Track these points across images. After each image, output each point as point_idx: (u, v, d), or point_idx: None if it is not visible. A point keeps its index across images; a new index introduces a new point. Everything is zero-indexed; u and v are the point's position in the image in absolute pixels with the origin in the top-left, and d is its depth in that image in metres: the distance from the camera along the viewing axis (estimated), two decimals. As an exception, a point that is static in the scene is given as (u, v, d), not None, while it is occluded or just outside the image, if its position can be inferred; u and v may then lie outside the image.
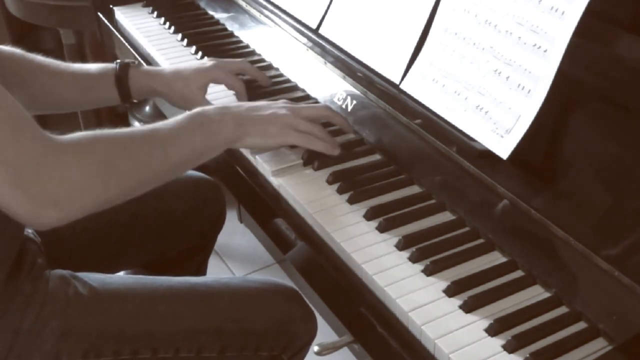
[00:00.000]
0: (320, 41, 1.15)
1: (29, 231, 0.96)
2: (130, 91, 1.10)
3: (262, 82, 1.18)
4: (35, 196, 0.74)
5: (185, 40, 1.34)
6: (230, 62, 1.15)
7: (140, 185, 0.85)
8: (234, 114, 0.93)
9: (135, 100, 1.12)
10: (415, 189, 0.96)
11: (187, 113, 0.91)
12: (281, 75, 1.23)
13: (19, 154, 0.73)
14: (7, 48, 1.04)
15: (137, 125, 2.02)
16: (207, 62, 1.13)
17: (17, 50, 1.05)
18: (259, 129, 0.94)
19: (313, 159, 1.00)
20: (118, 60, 1.10)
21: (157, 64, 1.31)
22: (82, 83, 1.09)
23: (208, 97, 1.14)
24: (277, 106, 0.97)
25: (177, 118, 0.90)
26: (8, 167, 0.72)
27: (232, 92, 1.17)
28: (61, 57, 2.07)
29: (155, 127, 0.88)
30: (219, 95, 1.17)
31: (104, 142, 0.82)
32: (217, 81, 1.14)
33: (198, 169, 1.25)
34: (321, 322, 1.03)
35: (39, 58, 1.07)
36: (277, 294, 1.01)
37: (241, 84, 1.14)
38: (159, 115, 1.92)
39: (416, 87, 0.99)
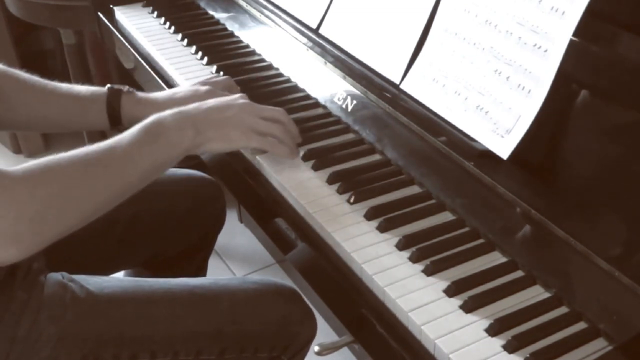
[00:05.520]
0: (321, 41, 1.15)
1: None
2: (122, 119, 1.06)
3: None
4: None
5: (186, 40, 1.34)
6: (219, 82, 1.12)
7: (101, 207, 0.83)
8: (193, 119, 0.89)
9: (124, 127, 1.06)
10: (415, 189, 0.96)
11: (144, 123, 0.87)
12: (281, 75, 1.23)
13: None
14: None
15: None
16: (199, 89, 1.09)
17: (0, 66, 1.02)
18: (220, 134, 0.90)
19: (313, 159, 1.00)
20: (109, 85, 1.06)
21: (157, 64, 1.31)
22: (70, 107, 1.05)
23: None
24: (238, 105, 0.93)
25: (133, 131, 0.86)
26: None
27: None
28: (61, 57, 2.07)
29: (111, 146, 0.84)
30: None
31: (58, 170, 0.78)
32: None
33: (198, 169, 1.25)
34: (321, 322, 1.03)
35: (25, 75, 1.03)
36: (277, 294, 1.01)
37: None
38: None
39: (416, 87, 0.99)
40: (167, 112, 0.89)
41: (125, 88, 1.07)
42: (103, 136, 2.20)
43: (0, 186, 0.73)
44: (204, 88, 1.08)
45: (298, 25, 1.20)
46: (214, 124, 0.90)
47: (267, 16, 1.29)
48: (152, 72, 1.31)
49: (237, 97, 0.96)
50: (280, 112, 0.99)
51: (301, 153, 1.02)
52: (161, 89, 1.24)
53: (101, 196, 0.82)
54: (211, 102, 0.93)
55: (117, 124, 1.07)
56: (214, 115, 0.91)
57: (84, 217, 0.81)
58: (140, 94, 1.08)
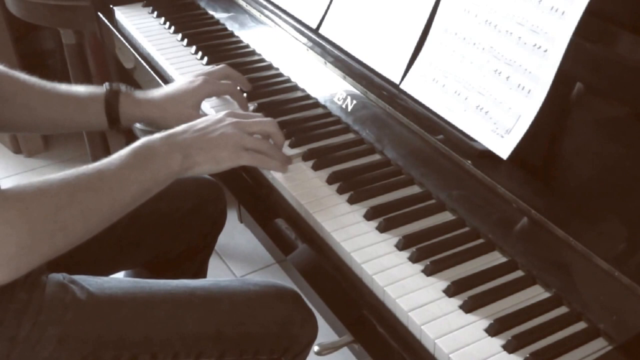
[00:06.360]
0: (320, 41, 1.15)
1: None
2: (120, 118, 1.07)
3: (243, 87, 1.17)
4: None
5: (185, 40, 1.34)
6: (215, 72, 1.13)
7: (89, 231, 0.83)
8: (181, 143, 0.89)
9: (122, 126, 1.09)
10: (415, 189, 0.96)
11: (132, 146, 0.87)
12: (281, 75, 1.23)
13: None
14: None
15: (137, 127, 2.02)
16: (195, 79, 1.10)
17: (0, 67, 1.02)
18: (209, 157, 0.91)
19: (313, 159, 1.00)
20: (107, 84, 1.07)
21: (157, 64, 1.31)
22: (69, 107, 1.05)
23: (206, 105, 1.15)
24: (224, 124, 0.93)
25: (121, 154, 0.86)
26: None
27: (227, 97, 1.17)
28: (61, 57, 2.07)
29: (100, 169, 0.83)
30: (216, 103, 1.17)
31: (50, 193, 0.78)
32: (210, 95, 1.13)
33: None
34: (321, 322, 1.03)
35: (24, 77, 1.03)
36: (277, 296, 1.01)
37: (232, 87, 1.14)
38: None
39: (416, 87, 0.99)
40: (157, 136, 0.89)
41: (123, 87, 1.07)
42: (103, 139, 2.19)
43: None
44: (200, 78, 1.10)
45: (298, 25, 1.21)
46: (201, 147, 0.91)
47: (267, 16, 1.29)
48: (152, 72, 1.31)
49: (224, 116, 0.95)
50: (268, 123, 0.98)
51: (301, 153, 1.02)
52: (161, 89, 1.24)
53: (90, 219, 0.82)
54: (199, 125, 0.93)
55: (116, 124, 1.08)
56: (201, 138, 0.91)
57: (73, 240, 0.81)
58: (138, 94, 1.09)
